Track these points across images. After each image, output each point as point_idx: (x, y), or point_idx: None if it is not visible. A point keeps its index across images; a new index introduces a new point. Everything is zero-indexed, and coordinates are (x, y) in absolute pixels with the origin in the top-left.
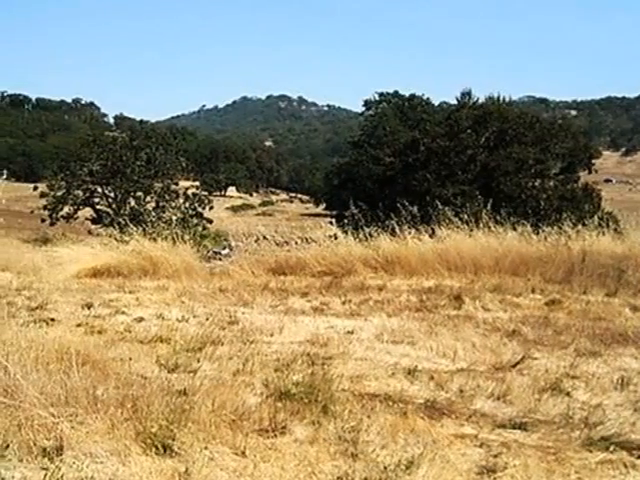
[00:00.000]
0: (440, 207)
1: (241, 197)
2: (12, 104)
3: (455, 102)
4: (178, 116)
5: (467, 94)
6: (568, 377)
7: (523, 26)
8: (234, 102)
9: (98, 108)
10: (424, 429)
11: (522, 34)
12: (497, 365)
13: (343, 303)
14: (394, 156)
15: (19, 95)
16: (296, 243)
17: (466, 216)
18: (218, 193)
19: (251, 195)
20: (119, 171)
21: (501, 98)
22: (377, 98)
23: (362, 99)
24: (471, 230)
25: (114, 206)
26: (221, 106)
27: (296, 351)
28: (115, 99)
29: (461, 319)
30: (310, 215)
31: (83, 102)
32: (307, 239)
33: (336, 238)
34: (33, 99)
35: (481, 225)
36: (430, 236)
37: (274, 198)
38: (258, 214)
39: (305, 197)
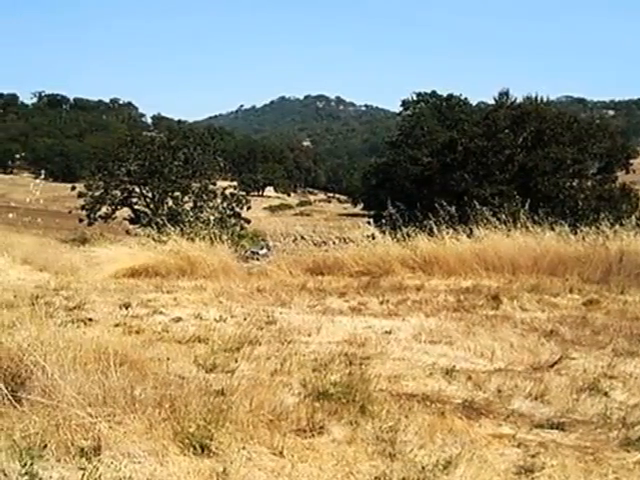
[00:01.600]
0: (478, 207)
1: (279, 197)
2: (50, 104)
3: (493, 102)
4: (216, 116)
5: (505, 94)
6: (606, 377)
7: (561, 26)
8: (272, 102)
9: (136, 108)
10: (462, 429)
11: (560, 34)
12: (535, 365)
13: (381, 303)
14: (432, 156)
15: (57, 95)
16: (334, 243)
17: (504, 216)
18: (256, 193)
19: (289, 195)
20: (157, 171)
21: (539, 98)
22: (415, 98)
23: (400, 99)
24: (509, 230)
25: (152, 206)
26: (259, 106)
27: (334, 351)
28: (153, 99)
29: (499, 319)
30: (348, 215)
31: (121, 102)
32: (345, 239)
33: (374, 238)
34: (71, 99)
35: (519, 225)
36: (468, 236)
37: (312, 198)
38: (296, 214)
39: (343, 197)
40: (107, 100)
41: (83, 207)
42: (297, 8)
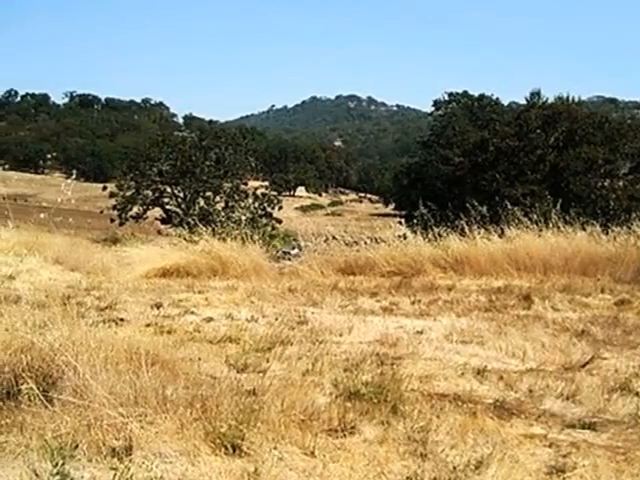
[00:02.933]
0: (509, 207)
1: (310, 197)
2: (81, 104)
3: (524, 102)
4: (247, 116)
5: (536, 94)
6: (637, 377)
7: (593, 26)
8: (303, 102)
9: (167, 108)
10: (493, 429)
11: (592, 34)
12: (566, 365)
13: (412, 303)
14: (463, 156)
15: (88, 95)
16: (365, 243)
17: (535, 216)
18: (287, 193)
19: (320, 195)
20: (188, 171)
21: (570, 98)
22: (446, 98)
23: (431, 99)
24: (540, 230)
25: (183, 206)
26: (290, 106)
27: (365, 351)
28: (184, 99)
29: (530, 319)
30: (379, 215)
31: (152, 102)
32: (376, 239)
33: (405, 238)
34: (102, 99)
35: (550, 225)
36: (499, 236)
37: (343, 198)
38: (327, 214)
39: (374, 197)
40: (139, 100)
41: (114, 207)
42: (329, 9)
